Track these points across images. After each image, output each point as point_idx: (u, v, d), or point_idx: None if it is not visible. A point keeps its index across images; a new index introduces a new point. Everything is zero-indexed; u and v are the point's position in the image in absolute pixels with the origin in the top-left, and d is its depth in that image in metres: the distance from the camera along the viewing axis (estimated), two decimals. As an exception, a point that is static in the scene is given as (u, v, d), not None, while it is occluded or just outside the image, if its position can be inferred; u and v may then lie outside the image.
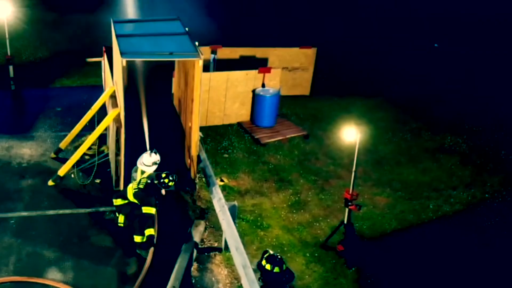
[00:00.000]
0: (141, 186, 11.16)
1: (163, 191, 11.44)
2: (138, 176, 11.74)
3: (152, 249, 11.04)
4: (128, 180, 12.43)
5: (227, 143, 15.91)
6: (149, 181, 11.23)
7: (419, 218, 13.35)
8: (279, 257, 8.86)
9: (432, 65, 22.20)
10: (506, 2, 27.82)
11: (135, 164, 11.91)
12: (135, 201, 11.21)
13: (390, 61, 22.18)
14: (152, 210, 10.98)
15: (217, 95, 16.63)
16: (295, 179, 14.55)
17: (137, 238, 11.23)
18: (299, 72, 19.12)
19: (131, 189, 11.31)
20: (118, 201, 11.54)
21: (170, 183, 11.26)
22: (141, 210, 11.07)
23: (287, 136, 16.44)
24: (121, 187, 12.71)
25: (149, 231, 10.97)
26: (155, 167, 11.48)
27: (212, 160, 14.69)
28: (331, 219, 13.02)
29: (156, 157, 11.44)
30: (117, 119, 13.08)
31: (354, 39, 24.13)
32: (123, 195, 11.48)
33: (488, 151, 16.33)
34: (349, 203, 11.45)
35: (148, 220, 10.99)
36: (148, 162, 11.44)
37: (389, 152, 16.12)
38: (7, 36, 17.10)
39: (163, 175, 11.25)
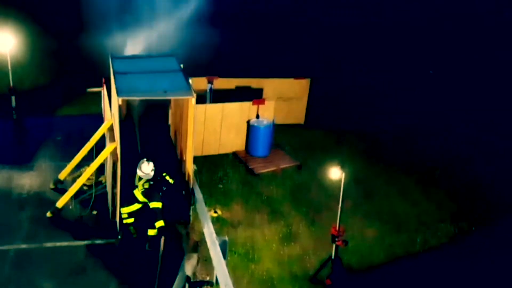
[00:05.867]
0: (146, 186, 12.86)
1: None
2: (136, 181, 13.03)
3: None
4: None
5: (222, 173, 16.30)
6: (151, 183, 12.87)
7: (406, 251, 13.71)
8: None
9: (426, 95, 22.60)
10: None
11: (131, 197, 12.94)
12: (145, 200, 12.82)
13: (384, 93, 22.59)
14: (159, 205, 12.73)
15: (212, 126, 17.04)
16: (286, 211, 14.92)
17: (151, 232, 12.80)
18: (294, 101, 19.53)
19: (138, 192, 12.89)
20: (132, 208, 12.92)
21: (171, 180, 13.23)
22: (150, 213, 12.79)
23: (281, 167, 16.83)
24: (117, 219, 13.19)
25: (160, 223, 12.72)
26: (152, 173, 12.84)
27: (207, 191, 15.08)
28: (320, 252, 13.33)
29: (152, 165, 12.87)
30: (114, 153, 13.51)
31: (349, 71, 24.58)
32: (135, 200, 12.88)
33: (477, 183, 16.69)
34: (336, 239, 11.79)
35: (157, 215, 12.72)
36: (147, 170, 12.83)
37: (380, 184, 16.47)
38: (9, 68, 17.57)
39: (165, 176, 13.17)
